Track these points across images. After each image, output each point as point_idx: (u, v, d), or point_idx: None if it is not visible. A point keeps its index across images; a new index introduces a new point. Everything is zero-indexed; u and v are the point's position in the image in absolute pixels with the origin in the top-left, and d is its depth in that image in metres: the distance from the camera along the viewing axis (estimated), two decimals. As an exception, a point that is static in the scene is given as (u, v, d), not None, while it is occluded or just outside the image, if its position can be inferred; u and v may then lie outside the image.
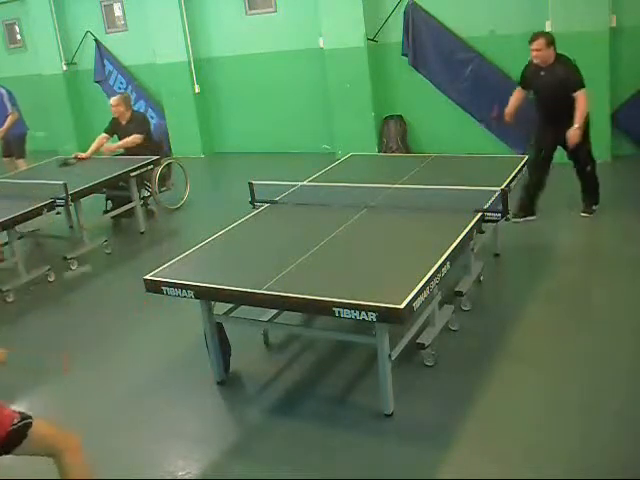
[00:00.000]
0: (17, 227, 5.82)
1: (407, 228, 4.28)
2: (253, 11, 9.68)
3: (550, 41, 5.56)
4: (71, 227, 6.94)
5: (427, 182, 4.87)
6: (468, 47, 8.15)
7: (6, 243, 5.99)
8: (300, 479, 3.18)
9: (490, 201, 4.33)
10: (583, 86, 5.57)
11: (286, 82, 9.62)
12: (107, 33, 11.09)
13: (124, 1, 10.77)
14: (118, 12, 10.98)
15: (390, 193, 4.81)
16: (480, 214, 4.21)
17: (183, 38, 10.01)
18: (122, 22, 10.97)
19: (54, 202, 5.84)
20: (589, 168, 5.93)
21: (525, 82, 5.99)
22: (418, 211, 4.41)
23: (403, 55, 8.67)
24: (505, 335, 4.25)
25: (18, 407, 4.06)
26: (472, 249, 4.58)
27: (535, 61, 5.66)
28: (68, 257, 6.14)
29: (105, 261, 6.45)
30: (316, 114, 9.46)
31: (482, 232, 4.95)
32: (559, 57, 5.64)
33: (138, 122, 7.46)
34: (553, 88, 5.61)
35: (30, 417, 2.71)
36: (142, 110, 10.47)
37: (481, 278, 4.90)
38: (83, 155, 7.46)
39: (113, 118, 7.52)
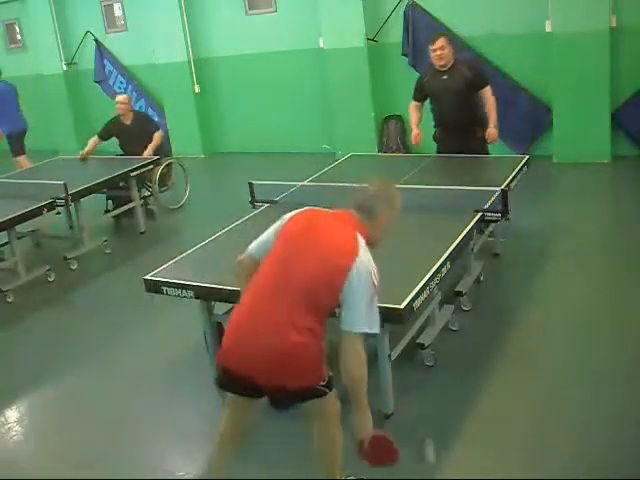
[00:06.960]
0: (17, 227, 5.81)
1: (407, 228, 4.27)
2: (253, 11, 9.67)
3: (449, 40, 5.43)
4: (71, 227, 6.95)
5: (427, 182, 4.87)
6: (468, 47, 8.14)
7: (6, 243, 6.00)
8: (300, 479, 3.18)
9: (490, 201, 4.33)
10: (488, 82, 5.49)
11: (286, 82, 9.60)
12: (107, 33, 11.08)
13: (124, 1, 10.76)
14: (118, 12, 10.97)
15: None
16: (480, 214, 4.21)
17: (183, 38, 10.00)
18: (122, 22, 10.96)
19: (54, 202, 5.85)
20: None
21: (422, 93, 5.71)
22: (418, 211, 4.41)
23: (403, 55, 8.66)
24: (505, 335, 4.25)
25: (18, 406, 4.12)
26: (472, 249, 4.58)
27: (439, 63, 5.40)
28: (68, 257, 6.14)
29: (105, 261, 6.45)
30: (316, 114, 9.45)
31: (482, 232, 4.95)
32: (457, 57, 5.51)
33: (147, 120, 7.62)
34: (459, 89, 5.36)
35: (329, 389, 2.69)
36: (142, 110, 10.45)
37: (481, 278, 4.89)
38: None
39: (114, 118, 7.46)
